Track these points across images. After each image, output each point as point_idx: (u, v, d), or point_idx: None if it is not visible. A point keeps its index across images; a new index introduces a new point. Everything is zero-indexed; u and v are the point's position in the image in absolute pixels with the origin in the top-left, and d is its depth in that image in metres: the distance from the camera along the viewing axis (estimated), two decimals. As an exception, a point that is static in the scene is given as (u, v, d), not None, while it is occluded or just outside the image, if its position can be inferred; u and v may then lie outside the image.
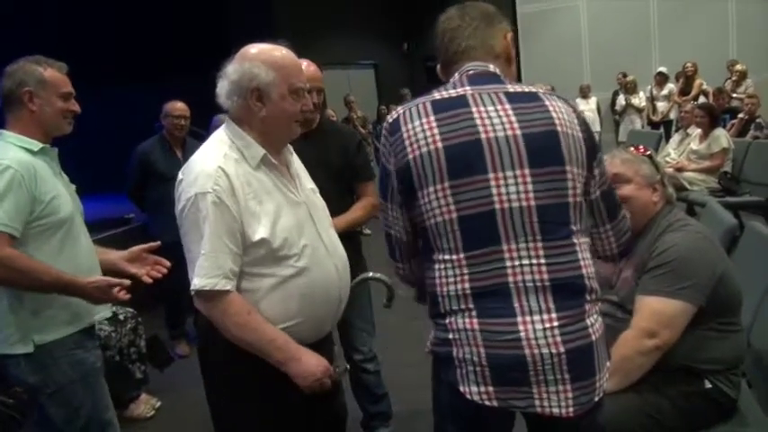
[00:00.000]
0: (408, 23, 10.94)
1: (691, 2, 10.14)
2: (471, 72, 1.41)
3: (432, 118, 1.34)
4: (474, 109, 1.34)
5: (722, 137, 5.34)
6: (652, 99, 9.08)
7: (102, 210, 5.80)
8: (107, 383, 3.00)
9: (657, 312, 1.71)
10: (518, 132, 1.32)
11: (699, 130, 5.55)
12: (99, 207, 5.95)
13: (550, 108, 1.35)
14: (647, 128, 8.97)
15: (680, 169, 5.45)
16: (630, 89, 9.34)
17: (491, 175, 1.30)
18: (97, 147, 7.56)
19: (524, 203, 1.29)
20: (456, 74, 1.43)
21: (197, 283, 1.50)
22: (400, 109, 1.41)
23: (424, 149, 1.32)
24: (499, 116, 1.33)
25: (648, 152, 1.97)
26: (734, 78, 8.23)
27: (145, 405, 3.25)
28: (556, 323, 1.28)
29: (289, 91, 1.58)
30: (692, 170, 5.41)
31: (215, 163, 1.53)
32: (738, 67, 8.27)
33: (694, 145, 5.54)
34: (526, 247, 1.29)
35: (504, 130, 1.32)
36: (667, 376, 1.74)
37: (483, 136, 1.31)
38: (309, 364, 1.56)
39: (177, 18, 8.52)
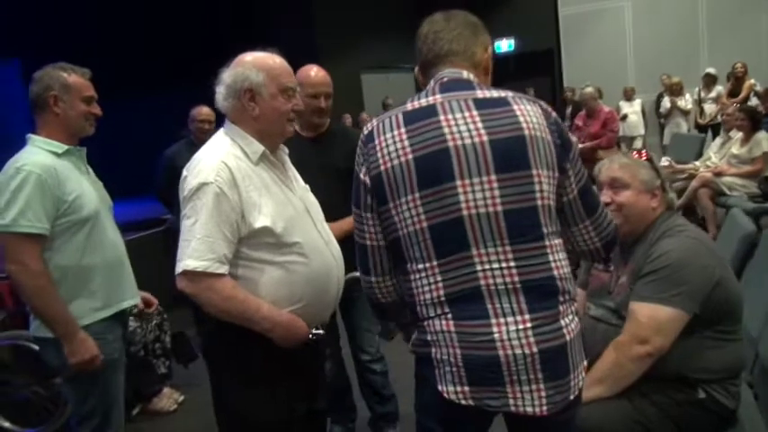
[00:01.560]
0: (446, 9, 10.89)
1: (741, 0, 9.77)
2: (445, 79, 1.42)
3: (402, 130, 1.37)
4: (442, 117, 1.36)
5: (764, 140, 5.13)
6: (699, 101, 8.79)
7: (142, 211, 6.04)
8: (131, 377, 3.16)
9: (649, 319, 1.69)
10: (485, 139, 1.33)
11: (740, 134, 5.36)
12: (138, 209, 6.20)
13: (518, 113, 1.36)
14: (694, 131, 8.69)
15: (719, 174, 5.27)
16: (676, 91, 9.05)
17: (458, 183, 1.32)
18: (136, 151, 7.84)
19: (491, 209, 1.31)
20: (432, 81, 1.45)
21: (190, 263, 1.58)
22: (375, 121, 1.44)
23: (396, 162, 1.35)
24: (466, 123, 1.35)
25: (648, 157, 1.94)
26: (786, 79, 7.90)
27: (168, 399, 3.37)
28: (529, 324, 1.30)
29: (279, 90, 1.69)
30: (732, 174, 5.22)
31: (217, 157, 1.64)
32: (791, 67, 7.93)
33: (735, 149, 5.35)
34: (495, 251, 1.31)
35: (472, 137, 1.33)
36: (659, 384, 1.71)
37: (451, 144, 1.33)
38: (297, 329, 1.67)
39: (213, 23, 8.76)
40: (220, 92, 1.71)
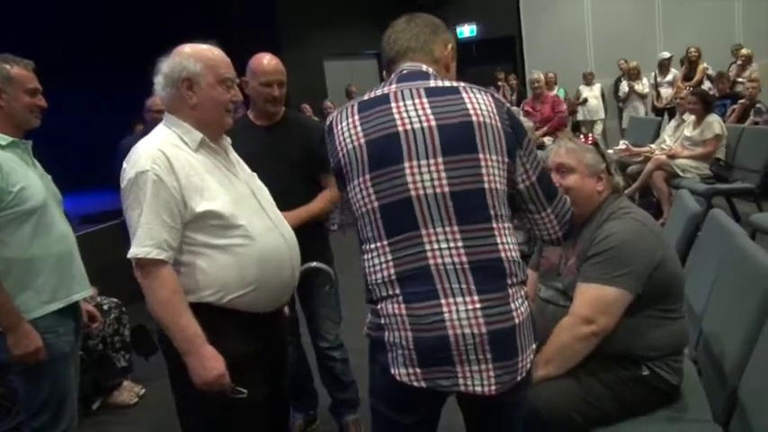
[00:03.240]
0: (410, 12, 10.88)
1: (696, -15, 9.98)
2: (404, 72, 1.49)
3: (356, 117, 1.43)
4: (393, 105, 1.41)
5: (715, 123, 5.28)
6: (656, 85, 8.98)
7: (100, 204, 5.92)
8: (91, 370, 3.13)
9: (595, 299, 1.74)
10: (433, 124, 1.38)
11: (693, 117, 5.50)
12: (96, 201, 6.08)
13: (467, 101, 1.40)
14: (651, 115, 8.88)
15: (673, 156, 5.41)
16: (633, 75, 9.23)
17: (406, 165, 1.37)
18: (95, 143, 7.67)
19: (438, 190, 1.35)
20: (392, 74, 1.51)
21: (131, 251, 1.61)
22: (335, 112, 1.51)
23: (350, 146, 1.42)
24: (416, 109, 1.40)
25: (594, 141, 1.99)
26: (739, 63, 8.10)
27: (128, 392, 3.34)
28: (478, 305, 1.33)
29: (217, 80, 1.71)
30: (685, 157, 5.36)
31: (153, 146, 1.66)
32: (744, 51, 8.13)
33: (688, 132, 5.49)
34: (443, 231, 1.35)
35: (420, 122, 1.38)
36: (605, 362, 1.77)
37: (400, 128, 1.38)
38: (206, 365, 1.61)
39: (170, 10, 8.58)
40: (159, 81, 1.72)
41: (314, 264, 1.94)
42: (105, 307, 3.29)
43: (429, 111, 1.39)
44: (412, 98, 1.41)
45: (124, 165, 1.68)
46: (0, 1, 8.61)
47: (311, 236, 2.19)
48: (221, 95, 1.72)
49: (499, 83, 10.35)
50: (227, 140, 1.85)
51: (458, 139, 1.37)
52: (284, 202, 2.00)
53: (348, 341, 2.66)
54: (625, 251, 1.74)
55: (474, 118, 1.38)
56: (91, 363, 3.15)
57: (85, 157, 7.98)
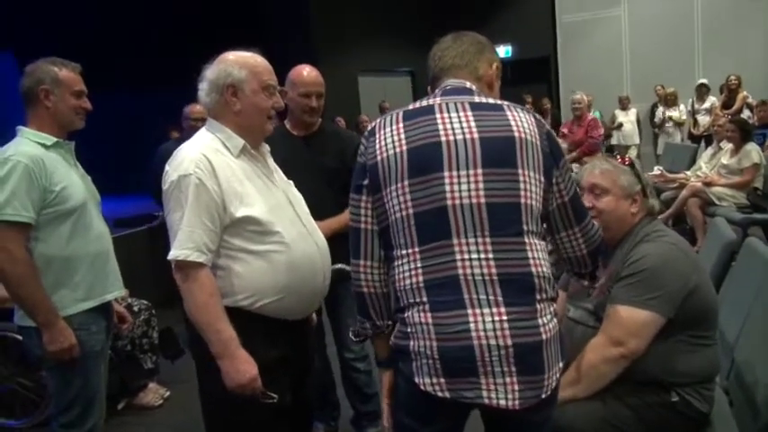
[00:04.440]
0: (445, 31, 10.96)
1: (736, 13, 9.84)
2: (449, 87, 1.52)
3: (401, 125, 1.46)
4: (438, 116, 1.44)
5: (753, 152, 5.18)
6: (693, 112, 8.86)
7: (136, 208, 6.05)
8: (117, 371, 3.18)
9: (625, 321, 1.71)
10: (476, 136, 1.40)
11: (730, 145, 5.41)
12: (131, 205, 6.22)
13: (510, 117, 1.43)
14: (688, 141, 8.75)
15: (709, 184, 5.31)
16: (670, 101, 9.13)
17: (446, 174, 1.38)
18: (132, 148, 7.87)
19: (474, 200, 1.37)
20: (437, 89, 1.54)
21: (172, 253, 1.64)
22: (380, 118, 1.53)
23: (391, 152, 1.44)
24: (460, 121, 1.42)
25: (630, 162, 1.97)
26: (780, 92, 7.96)
27: (153, 394, 3.39)
28: (505, 317, 1.33)
29: (260, 87, 1.75)
30: (722, 185, 5.27)
31: (197, 150, 1.70)
32: (784, 80, 8.00)
33: (725, 159, 5.39)
34: (475, 242, 1.36)
35: (464, 133, 1.41)
36: (633, 386, 1.74)
37: (443, 138, 1.41)
38: (240, 368, 1.63)
39: (210, 22, 8.77)
40: (203, 88, 1.77)
41: (340, 265, 1.95)
42: (135, 308, 3.35)
43: (473, 123, 1.41)
44: (457, 111, 1.44)
45: (167, 167, 1.72)
46: (49, 7, 8.95)
47: (341, 246, 2.20)
48: (264, 102, 1.76)
49: (527, 106, 10.30)
50: (267, 148, 1.88)
51: (499, 152, 1.39)
52: (317, 212, 2.02)
53: (372, 353, 2.66)
54: (658, 274, 1.72)
55: (516, 134, 1.41)
56: (118, 363, 3.21)
57: (121, 161, 8.18)
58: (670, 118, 9.07)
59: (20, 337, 2.36)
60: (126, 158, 8.15)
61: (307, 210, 1.89)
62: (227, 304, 1.66)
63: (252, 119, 1.76)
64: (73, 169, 2.13)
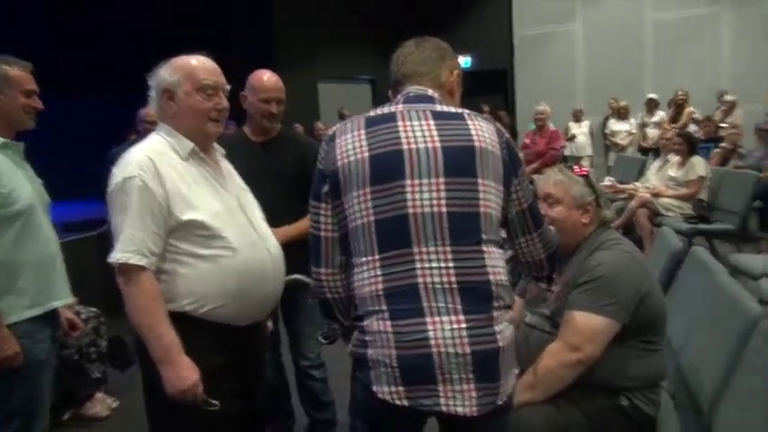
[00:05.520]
0: (405, 41, 11.06)
1: (685, 31, 10.24)
2: (411, 94, 1.53)
3: (363, 131, 1.46)
4: (400, 123, 1.45)
5: (699, 165, 5.39)
6: (643, 125, 9.16)
7: (86, 212, 5.87)
8: (64, 380, 3.07)
9: (582, 327, 1.76)
10: (438, 145, 1.41)
11: (678, 157, 5.61)
12: (81, 210, 6.03)
13: (471, 127, 1.45)
14: (638, 154, 9.03)
15: (657, 195, 5.49)
16: (622, 115, 9.43)
17: (408, 182, 1.39)
18: (84, 153, 7.64)
19: (436, 209, 1.38)
20: (399, 95, 1.55)
21: (113, 256, 1.61)
22: (340, 124, 1.54)
23: (353, 158, 1.43)
24: (422, 130, 1.43)
25: (584, 173, 2.02)
26: (723, 108, 8.30)
27: (101, 404, 3.28)
28: (464, 325, 1.34)
29: (194, 88, 1.73)
30: (669, 196, 5.46)
31: (143, 153, 1.68)
32: (728, 97, 8.34)
33: (672, 171, 5.59)
34: (435, 251, 1.37)
35: (426, 142, 1.42)
36: (586, 391, 1.78)
37: (405, 147, 1.41)
38: (181, 374, 1.61)
39: (169, 28, 8.64)
40: (150, 95, 1.77)
41: (295, 276, 1.94)
42: (83, 316, 3.23)
43: (435, 132, 1.42)
44: (419, 119, 1.44)
45: (113, 170, 1.70)
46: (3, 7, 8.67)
47: (298, 253, 2.19)
48: (200, 103, 1.73)
49: (484, 115, 10.44)
50: (221, 152, 1.86)
51: (460, 161, 1.40)
52: (275, 218, 2.01)
53: (328, 362, 2.65)
54: (614, 281, 1.77)
55: (477, 144, 1.42)
56: (65, 372, 3.10)
57: (75, 165, 7.93)
58: (614, 134, 9.39)
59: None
60: (81, 161, 7.91)
61: (260, 216, 1.87)
62: (171, 309, 1.64)
63: (188, 121, 1.74)
64: (21, 171, 2.06)
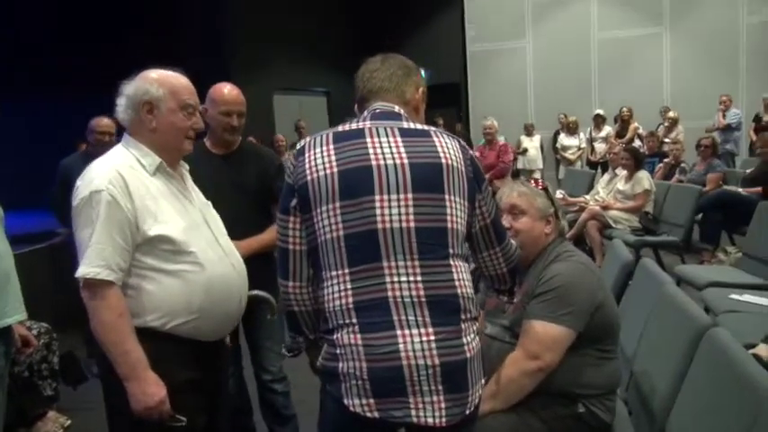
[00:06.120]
0: (361, 53, 11.14)
1: (629, 49, 10.69)
2: (378, 111, 1.55)
3: (331, 146, 1.48)
4: (369, 140, 1.47)
5: (645, 179, 5.61)
6: (591, 140, 9.48)
7: (35, 224, 5.68)
8: (14, 398, 2.96)
9: (541, 336, 1.81)
10: (405, 161, 1.44)
11: (625, 172, 5.83)
12: (30, 221, 5.83)
13: (438, 144, 1.49)
14: (586, 168, 9.33)
15: (606, 207, 5.69)
16: (572, 129, 9.74)
17: (377, 197, 1.42)
18: (31, 162, 7.42)
19: (404, 224, 1.41)
20: (365, 111, 1.57)
21: (80, 270, 1.59)
22: (308, 138, 1.54)
23: (321, 173, 1.45)
24: (390, 147, 1.46)
25: (544, 186, 2.10)
26: (666, 124, 8.67)
27: (53, 423, 3.17)
28: (433, 337, 1.38)
29: (178, 106, 1.74)
30: (617, 209, 5.66)
31: (110, 166, 1.66)
32: (671, 114, 8.72)
33: (620, 185, 5.80)
34: (404, 265, 1.40)
35: (394, 158, 1.45)
36: (544, 398, 1.83)
37: (374, 163, 1.44)
38: (147, 390, 1.60)
39: (119, 35, 8.50)
40: (121, 103, 1.75)
41: (255, 291, 1.95)
42: (35, 332, 3.12)
43: (402, 149, 1.46)
44: (387, 136, 1.47)
45: (78, 182, 1.67)
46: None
47: (260, 266, 2.19)
48: (181, 122, 1.75)
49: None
50: (185, 167, 1.86)
51: (427, 178, 1.44)
52: (237, 232, 2.00)
53: (291, 375, 2.64)
54: (569, 291, 1.83)
55: (443, 160, 1.46)
56: (16, 390, 2.99)
57: (21, 174, 7.67)
58: (564, 149, 9.68)
59: None
60: (27, 171, 7.65)
61: (224, 230, 1.87)
62: (137, 324, 1.63)
63: (167, 137, 1.74)
64: None
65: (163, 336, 1.66)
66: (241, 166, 2.49)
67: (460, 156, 1.50)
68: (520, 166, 10.32)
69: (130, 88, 1.73)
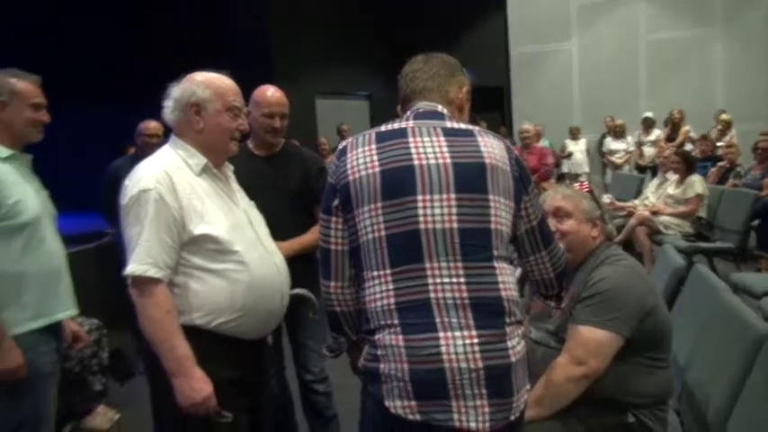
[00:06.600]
0: (402, 57, 11.14)
1: (680, 50, 10.37)
2: (421, 110, 1.54)
3: (373, 146, 1.47)
4: (411, 139, 1.46)
5: (697, 182, 5.43)
6: (639, 144, 9.24)
7: (86, 225, 5.86)
8: (65, 393, 3.05)
9: (586, 341, 1.76)
10: (448, 161, 1.42)
11: (676, 176, 5.65)
12: (82, 222, 6.02)
13: (481, 143, 1.46)
14: (634, 172, 9.10)
15: (656, 213, 5.53)
16: (618, 133, 9.51)
17: (419, 197, 1.40)
18: (85, 164, 7.67)
19: (447, 225, 1.39)
20: (408, 111, 1.55)
21: (128, 268, 1.62)
22: (351, 138, 1.54)
23: (363, 173, 1.44)
24: (433, 146, 1.44)
25: (589, 189, 2.05)
26: (719, 128, 8.39)
27: (102, 417, 3.26)
28: (476, 340, 1.35)
29: (224, 108, 1.76)
30: (668, 214, 5.49)
31: (159, 167, 1.69)
32: (724, 116, 8.43)
33: (671, 190, 5.63)
34: (447, 266, 1.38)
35: (436, 158, 1.43)
36: (592, 407, 1.78)
37: (416, 162, 1.42)
38: (195, 386, 1.62)
39: (170, 41, 8.73)
40: (168, 105, 1.78)
41: (296, 290, 1.96)
42: (86, 328, 3.21)
43: (446, 149, 1.44)
44: (429, 135, 1.46)
45: (126, 182, 1.71)
46: (8, 24, 8.76)
47: (302, 267, 2.20)
48: (227, 123, 1.77)
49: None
50: (230, 168, 1.89)
51: (470, 178, 1.41)
52: (278, 233, 2.02)
53: (332, 376, 2.64)
54: (617, 296, 1.78)
55: (487, 160, 1.43)
56: (66, 385, 3.07)
57: (72, 176, 7.94)
58: (611, 153, 9.47)
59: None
60: (78, 175, 7.92)
61: (267, 230, 1.89)
62: (183, 322, 1.65)
63: (214, 138, 1.77)
64: (29, 183, 2.06)
65: (208, 333, 1.68)
66: (284, 167, 2.51)
67: (505, 156, 1.47)
68: (565, 170, 10.15)
69: (177, 91, 1.77)
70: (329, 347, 1.66)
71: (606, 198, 6.41)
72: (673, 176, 5.75)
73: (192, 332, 1.66)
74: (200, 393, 1.62)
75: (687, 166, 5.52)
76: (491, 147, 1.46)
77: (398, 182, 1.41)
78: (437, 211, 1.39)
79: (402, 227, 1.40)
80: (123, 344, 3.69)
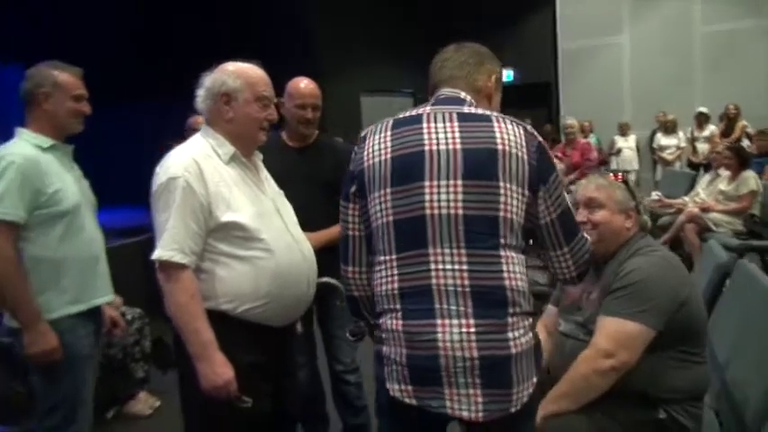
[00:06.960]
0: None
1: (735, 44, 9.95)
2: (441, 96, 1.53)
3: (389, 133, 1.47)
4: (425, 125, 1.45)
5: (751, 179, 5.21)
6: (692, 140, 8.92)
7: (135, 219, 6.06)
8: (108, 379, 3.16)
9: (615, 333, 1.71)
10: (458, 147, 1.41)
11: (728, 172, 5.43)
12: (132, 216, 6.23)
13: (497, 129, 1.42)
14: (686, 169, 8.79)
15: (706, 210, 5.33)
16: (670, 128, 9.20)
17: (427, 183, 1.39)
18: (136, 159, 7.93)
19: (452, 211, 1.37)
20: (432, 97, 1.54)
21: (156, 253, 1.67)
22: (371, 126, 1.55)
23: (377, 159, 1.45)
24: (445, 132, 1.43)
25: (623, 179, 1.99)
26: (778, 122, 8.01)
27: (143, 403, 3.37)
28: (473, 329, 1.34)
29: (254, 98, 1.79)
30: (719, 211, 5.28)
31: (187, 155, 1.73)
32: (783, 111, 8.06)
33: (722, 186, 5.41)
34: (450, 253, 1.37)
35: (447, 143, 1.41)
36: (621, 401, 1.73)
37: (427, 148, 1.42)
38: (216, 370, 1.65)
39: (213, 37, 8.92)
40: (200, 94, 1.82)
41: (324, 279, 1.98)
42: (129, 317, 3.34)
43: (457, 134, 1.42)
44: (443, 121, 1.44)
45: (157, 170, 1.76)
46: (58, 23, 9.12)
47: (330, 257, 2.21)
48: (257, 112, 1.80)
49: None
50: (259, 157, 1.91)
51: (480, 164, 1.39)
52: (309, 223, 2.04)
53: (363, 366, 2.65)
54: (648, 287, 1.72)
55: (500, 146, 1.39)
56: (110, 371, 3.19)
57: (121, 171, 8.21)
58: (662, 149, 9.17)
59: (7, 340, 2.34)
60: (125, 171, 8.20)
61: (295, 219, 1.91)
62: (209, 307, 1.68)
63: (243, 127, 1.80)
64: (69, 172, 2.14)
65: (233, 319, 1.71)
66: (316, 158, 2.53)
67: (523, 142, 1.41)
68: (614, 166, 9.86)
69: (209, 80, 1.80)
70: (351, 331, 1.68)
71: (654, 195, 6.22)
72: (725, 172, 5.52)
73: (218, 317, 1.69)
74: (222, 377, 1.65)
75: (740, 161, 5.29)
76: (507, 133, 1.41)
77: (408, 167, 1.41)
78: (443, 197, 1.38)
79: (409, 212, 1.40)
80: (165, 333, 3.79)
